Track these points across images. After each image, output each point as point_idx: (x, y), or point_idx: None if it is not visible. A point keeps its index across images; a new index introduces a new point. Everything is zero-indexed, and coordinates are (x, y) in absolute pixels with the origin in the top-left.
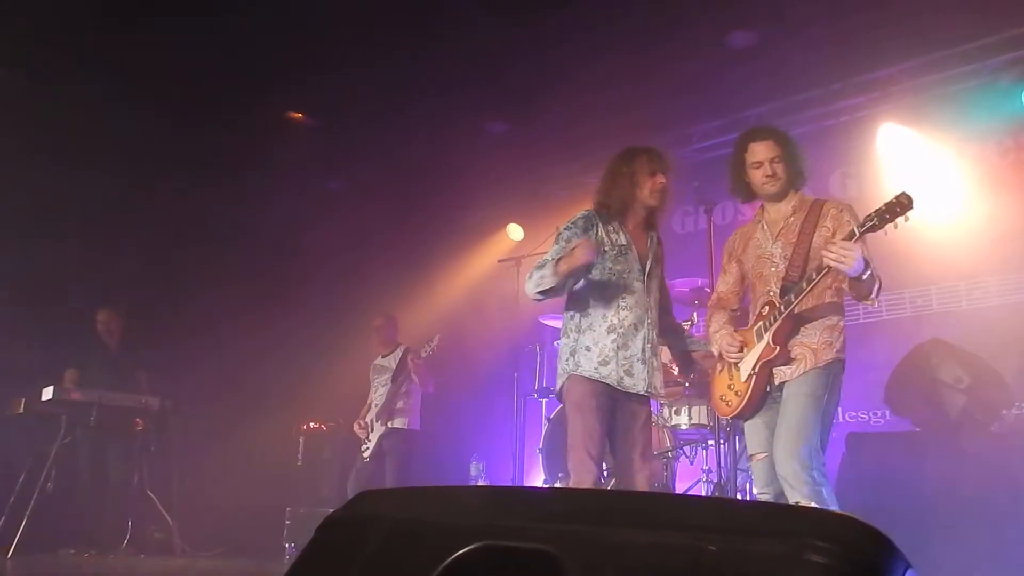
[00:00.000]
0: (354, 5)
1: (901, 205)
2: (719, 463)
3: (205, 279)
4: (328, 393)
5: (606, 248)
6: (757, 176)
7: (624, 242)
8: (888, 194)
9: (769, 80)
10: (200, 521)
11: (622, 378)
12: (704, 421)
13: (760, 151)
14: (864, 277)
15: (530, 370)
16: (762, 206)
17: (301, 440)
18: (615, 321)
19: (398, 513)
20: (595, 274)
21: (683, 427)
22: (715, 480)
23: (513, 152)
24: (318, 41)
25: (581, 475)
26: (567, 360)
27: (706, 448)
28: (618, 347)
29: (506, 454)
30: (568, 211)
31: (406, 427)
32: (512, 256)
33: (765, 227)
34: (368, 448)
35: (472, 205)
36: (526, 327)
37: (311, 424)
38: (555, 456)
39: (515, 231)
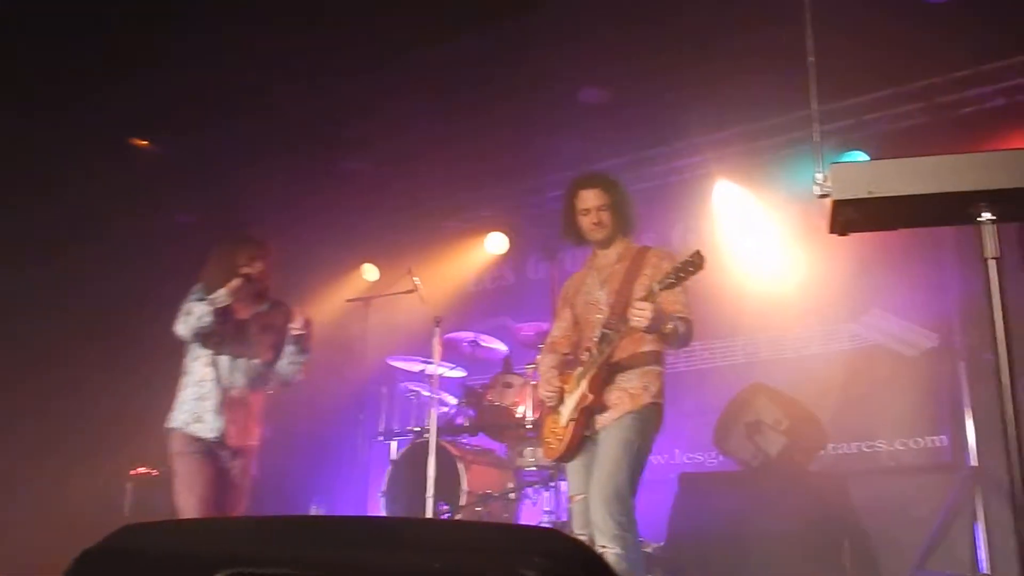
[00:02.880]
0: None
1: (693, 264)
2: (559, 504)
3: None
4: (161, 435)
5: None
6: (585, 223)
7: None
8: (723, 247)
9: (618, 136)
10: None
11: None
12: (547, 463)
13: (588, 198)
14: (665, 330)
15: (376, 412)
16: (593, 252)
17: (129, 487)
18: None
19: (156, 546)
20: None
21: (527, 468)
22: (555, 521)
23: (370, 192)
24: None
25: None
26: None
27: (548, 489)
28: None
29: (349, 499)
30: (425, 253)
31: None
32: (362, 296)
33: (595, 273)
34: None
35: (326, 243)
36: (374, 368)
37: (141, 469)
38: (399, 501)
39: (370, 271)
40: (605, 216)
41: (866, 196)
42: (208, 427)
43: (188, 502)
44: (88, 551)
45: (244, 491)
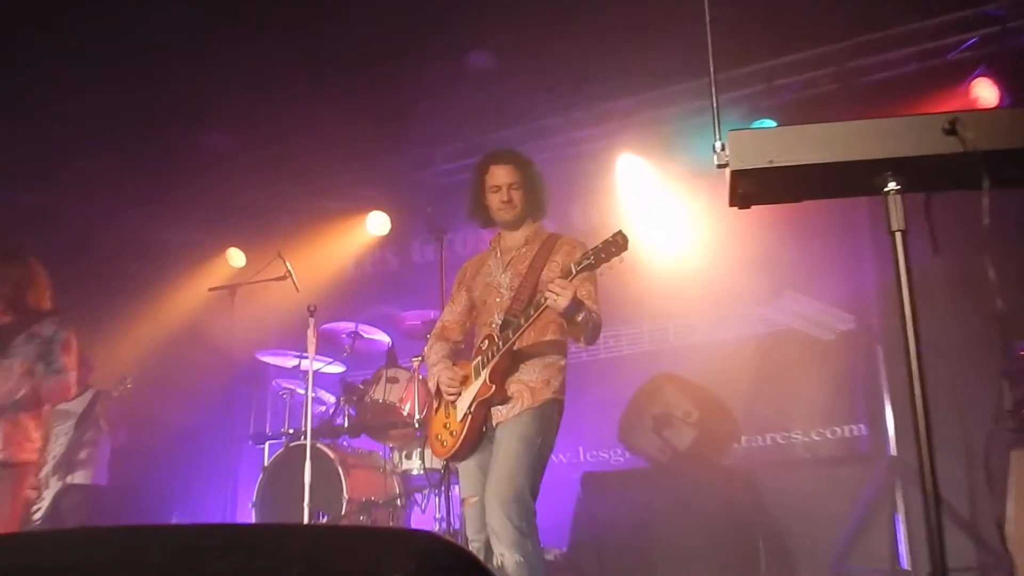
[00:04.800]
0: None
1: (616, 245)
2: (450, 511)
3: None
4: None
5: None
6: (494, 200)
7: None
8: (627, 225)
9: (511, 105)
10: None
11: None
12: (438, 465)
13: (500, 175)
14: (578, 319)
15: (245, 413)
16: (498, 233)
17: None
18: None
19: None
20: None
21: (415, 472)
22: (446, 528)
23: (235, 169)
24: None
25: None
26: None
27: (439, 494)
28: None
29: (215, 510)
30: (297, 235)
31: (89, 482)
32: (227, 284)
33: (499, 255)
34: (40, 509)
35: (185, 226)
36: (242, 365)
37: None
38: (271, 511)
39: (235, 256)
40: (516, 195)
41: (766, 166)
42: None
43: None
44: None
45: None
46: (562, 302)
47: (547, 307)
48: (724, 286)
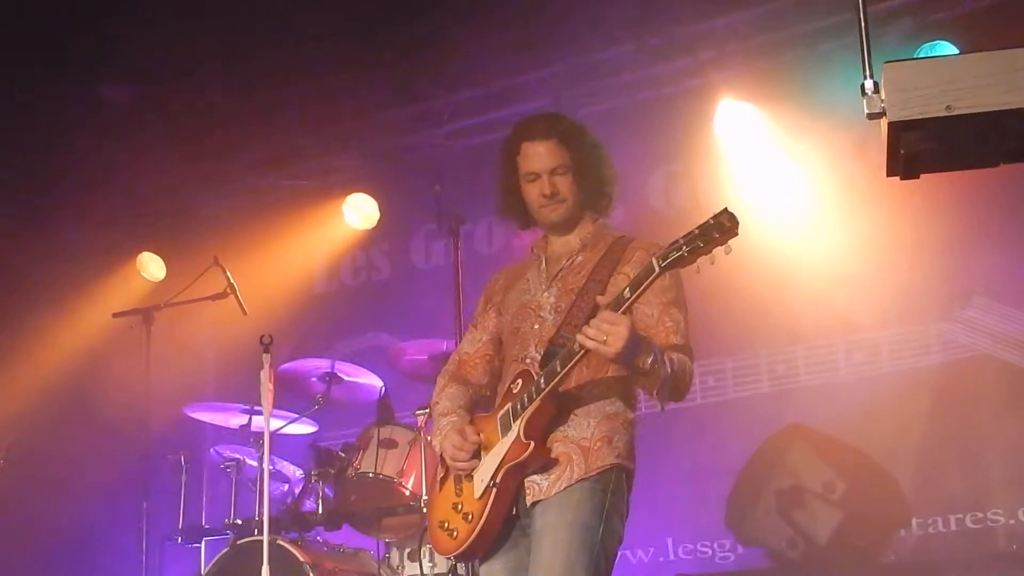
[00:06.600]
0: None
1: (721, 228)
2: None
3: None
4: None
5: None
6: (533, 194)
7: None
8: (731, 205)
9: (552, 29)
10: None
11: None
12: (461, 571)
13: (537, 157)
14: (644, 365)
15: (170, 497)
16: (544, 235)
17: None
18: None
19: None
20: None
21: None
22: None
23: (147, 135)
24: None
25: None
26: None
27: None
28: None
29: None
30: (242, 232)
31: None
32: (140, 307)
33: (543, 265)
34: None
35: (73, 222)
36: (163, 424)
37: None
38: None
39: (151, 264)
40: (564, 183)
41: (943, 114)
42: None
43: None
44: None
45: None
46: (616, 343)
47: (587, 354)
48: (881, 292)
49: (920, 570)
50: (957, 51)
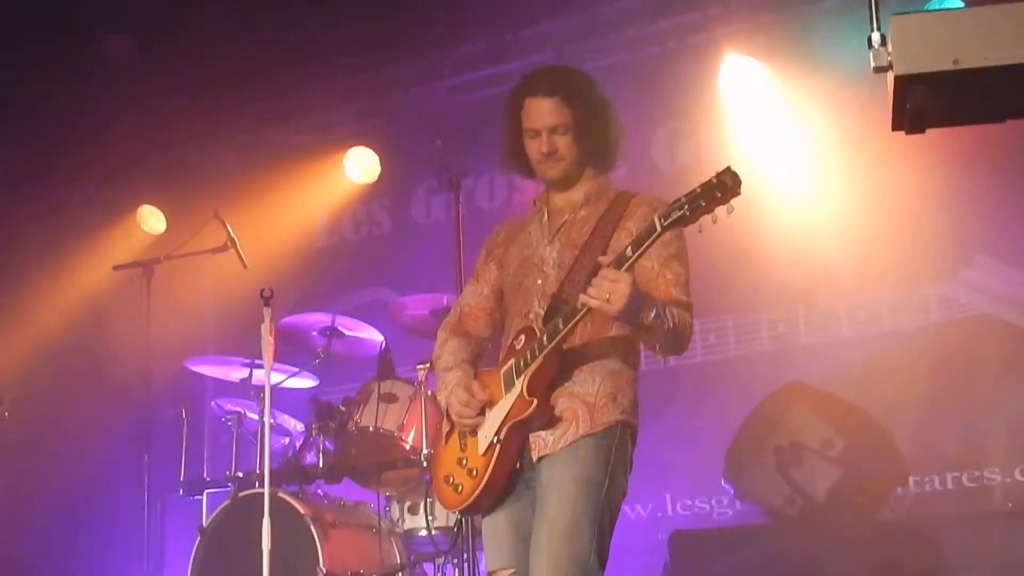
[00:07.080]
0: None
1: (723, 187)
2: None
3: None
4: None
5: None
6: (532, 150)
7: None
8: (735, 163)
9: None
10: None
11: None
12: (451, 522)
13: (539, 113)
14: (647, 321)
15: (171, 450)
16: (547, 189)
17: None
18: None
19: None
20: None
21: (422, 533)
22: None
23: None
24: None
25: None
26: None
27: (458, 565)
28: None
29: None
30: (241, 186)
31: None
32: (140, 260)
33: (544, 218)
34: None
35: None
36: (164, 378)
37: None
38: None
39: (151, 218)
40: (563, 143)
41: (950, 68)
42: None
43: None
44: None
45: None
46: (618, 300)
47: (590, 311)
48: (883, 251)
49: (917, 527)
50: (965, 5)
